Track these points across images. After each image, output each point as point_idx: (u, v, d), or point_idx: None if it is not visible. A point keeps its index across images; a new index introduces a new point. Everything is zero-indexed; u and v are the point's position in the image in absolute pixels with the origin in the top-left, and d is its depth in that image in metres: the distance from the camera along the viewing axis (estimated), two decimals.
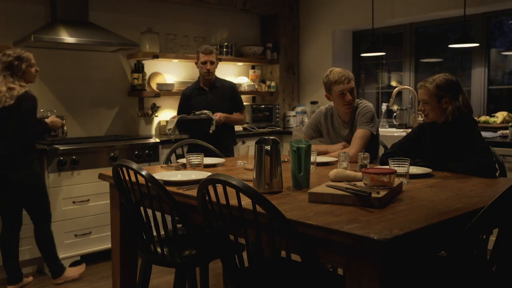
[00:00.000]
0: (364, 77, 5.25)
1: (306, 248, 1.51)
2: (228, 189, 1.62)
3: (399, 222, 1.50)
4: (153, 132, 4.67)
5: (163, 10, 4.67)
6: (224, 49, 4.96)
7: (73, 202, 3.64)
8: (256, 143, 1.98)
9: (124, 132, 4.49)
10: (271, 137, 2.01)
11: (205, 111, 3.64)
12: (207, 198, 1.71)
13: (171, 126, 3.57)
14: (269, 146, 1.94)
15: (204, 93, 3.81)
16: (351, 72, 3.04)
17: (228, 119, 3.76)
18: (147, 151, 3.99)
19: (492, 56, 4.41)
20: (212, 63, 3.74)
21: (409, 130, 4.31)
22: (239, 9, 5.03)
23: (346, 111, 2.99)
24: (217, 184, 1.64)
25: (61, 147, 3.58)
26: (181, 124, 3.60)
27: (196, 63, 3.82)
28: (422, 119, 4.44)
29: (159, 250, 2.13)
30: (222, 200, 1.67)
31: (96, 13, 4.18)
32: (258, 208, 1.55)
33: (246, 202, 1.63)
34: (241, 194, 1.58)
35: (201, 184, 1.68)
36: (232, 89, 3.90)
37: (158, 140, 4.10)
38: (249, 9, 5.06)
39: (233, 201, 1.64)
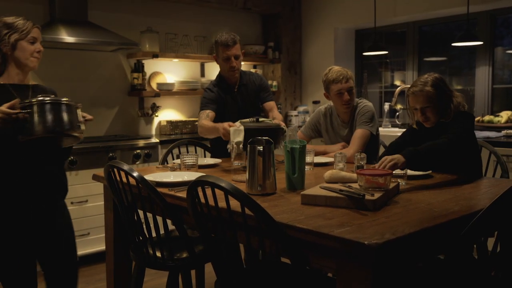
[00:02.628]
0: (366, 76, 5.19)
1: (294, 252, 1.46)
2: (218, 191, 1.57)
3: (392, 225, 1.45)
4: (153, 132, 4.64)
5: (163, 9, 4.63)
6: None
7: (71, 203, 3.61)
8: (248, 143, 1.94)
9: (124, 132, 4.46)
10: (264, 137, 1.97)
11: (263, 119, 2.60)
12: (196, 200, 1.67)
13: (239, 138, 2.36)
14: (262, 147, 1.90)
15: (233, 95, 3.05)
16: (351, 71, 2.98)
17: None
18: (146, 151, 3.96)
19: (498, 55, 4.34)
20: (237, 57, 2.94)
21: None
22: (240, 8, 4.98)
23: (344, 111, 2.94)
24: (206, 186, 1.60)
25: None
26: (250, 135, 2.30)
27: (216, 59, 3.02)
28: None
29: (151, 252, 2.09)
30: (212, 202, 1.63)
31: (95, 12, 4.15)
32: (248, 211, 1.50)
33: (236, 204, 1.58)
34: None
35: (190, 186, 1.64)
36: (261, 82, 3.14)
37: (157, 140, 4.07)
38: (250, 8, 5.02)
39: (223, 203, 1.60)
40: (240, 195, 1.48)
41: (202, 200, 1.64)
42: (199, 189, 1.64)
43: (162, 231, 2.08)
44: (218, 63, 3.03)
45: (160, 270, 2.15)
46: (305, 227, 1.43)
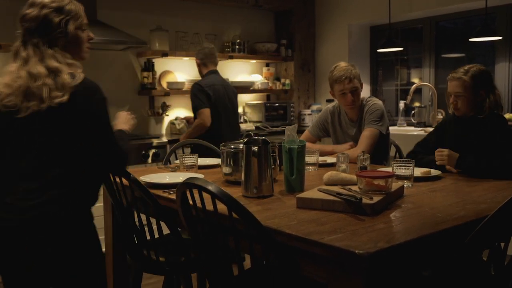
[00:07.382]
0: (381, 73, 5.05)
1: (283, 258, 1.38)
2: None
3: (388, 232, 1.35)
4: (164, 131, 4.59)
5: (172, 8, 4.58)
6: (237, 46, 4.85)
7: None
8: (244, 143, 1.86)
9: (134, 131, 4.41)
10: (261, 137, 1.89)
11: None
12: (185, 203, 1.60)
13: None
14: (257, 147, 1.81)
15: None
16: (357, 69, 2.86)
17: None
18: (154, 151, 3.92)
19: None
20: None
21: (428, 128, 4.10)
22: (251, 5, 4.90)
23: (349, 111, 2.85)
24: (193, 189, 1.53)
25: None
26: None
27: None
28: (441, 116, 4.23)
29: (146, 255, 2.03)
30: (208, 206, 1.55)
31: (104, 11, 4.12)
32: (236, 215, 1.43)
33: (225, 207, 1.50)
34: None
35: (179, 189, 1.57)
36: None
37: (166, 140, 4.02)
38: (262, 5, 4.93)
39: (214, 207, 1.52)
40: (226, 199, 1.40)
41: (191, 202, 1.57)
42: (194, 191, 1.56)
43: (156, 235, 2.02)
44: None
45: (156, 274, 2.09)
46: (293, 233, 1.35)
